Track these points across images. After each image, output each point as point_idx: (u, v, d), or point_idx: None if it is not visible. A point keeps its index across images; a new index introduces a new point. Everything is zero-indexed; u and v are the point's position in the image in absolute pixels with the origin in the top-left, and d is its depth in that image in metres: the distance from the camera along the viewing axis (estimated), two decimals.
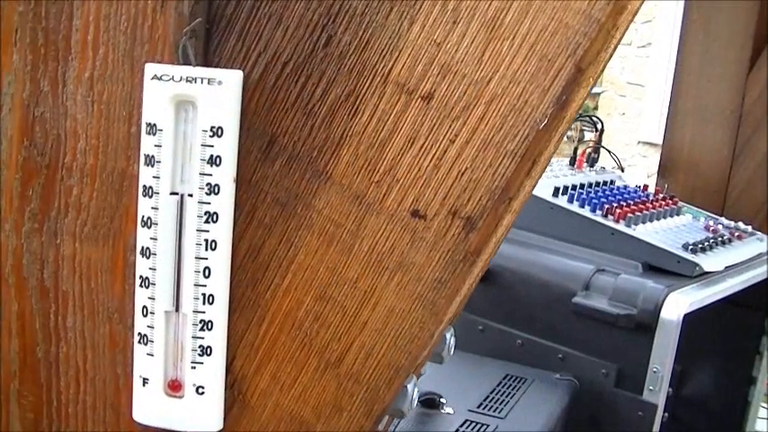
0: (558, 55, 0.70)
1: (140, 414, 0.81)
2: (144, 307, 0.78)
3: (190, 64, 0.74)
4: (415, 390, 0.86)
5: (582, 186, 2.39)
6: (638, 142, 7.67)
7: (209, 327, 0.78)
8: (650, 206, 2.38)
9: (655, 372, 2.01)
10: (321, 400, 0.80)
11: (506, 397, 1.93)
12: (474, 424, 1.78)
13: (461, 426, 1.76)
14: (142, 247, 0.77)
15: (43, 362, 0.86)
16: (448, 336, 0.86)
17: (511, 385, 2.01)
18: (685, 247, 2.18)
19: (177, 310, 0.78)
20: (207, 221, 0.76)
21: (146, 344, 0.79)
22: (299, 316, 0.79)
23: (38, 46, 0.79)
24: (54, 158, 0.81)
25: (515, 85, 0.71)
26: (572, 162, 2.58)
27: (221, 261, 0.77)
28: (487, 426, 1.78)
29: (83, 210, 0.81)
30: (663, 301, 1.99)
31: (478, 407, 1.86)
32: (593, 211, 2.26)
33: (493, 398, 1.92)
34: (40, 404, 0.87)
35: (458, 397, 1.85)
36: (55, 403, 0.86)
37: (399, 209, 0.75)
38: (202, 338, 0.78)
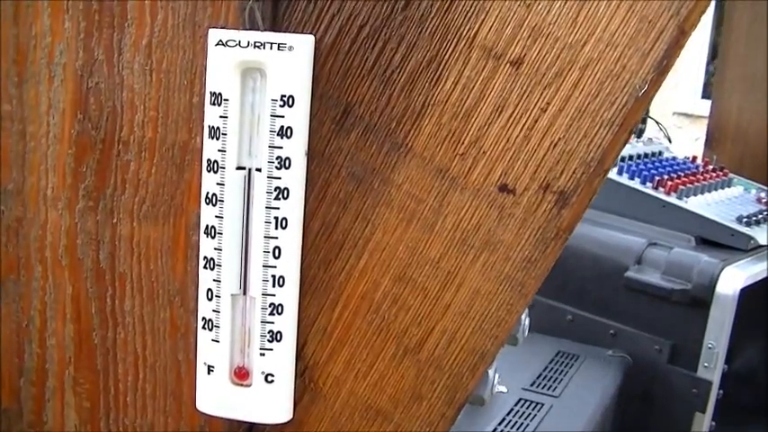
0: (659, 15, 0.64)
1: (204, 403, 0.77)
2: (209, 290, 0.74)
3: (257, 28, 0.70)
4: (496, 375, 0.81)
5: (630, 158, 2.34)
6: (673, 113, 7.60)
7: (279, 311, 0.73)
8: (700, 178, 2.34)
9: (710, 348, 1.98)
10: (399, 389, 0.75)
11: (559, 374, 1.90)
12: (528, 402, 1.75)
13: (516, 404, 1.73)
14: (206, 226, 0.73)
15: (100, 348, 0.82)
16: (523, 316, 0.81)
17: (563, 362, 1.97)
18: (739, 219, 2.14)
19: (245, 293, 0.73)
20: (277, 198, 0.71)
21: (210, 329, 0.74)
22: (375, 299, 0.74)
23: (91, 12, 0.75)
24: (110, 132, 0.76)
25: (612, 48, 0.65)
26: None
27: (292, 240, 0.72)
28: (542, 404, 1.75)
29: (141, 186, 0.77)
30: (718, 276, 1.96)
31: (532, 385, 1.84)
32: (644, 183, 2.22)
33: (546, 375, 1.89)
34: (97, 392, 0.83)
35: (510, 375, 1.81)
36: (112, 391, 0.82)
37: (486, 183, 0.69)
38: (272, 323, 0.73)
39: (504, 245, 0.70)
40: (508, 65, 0.67)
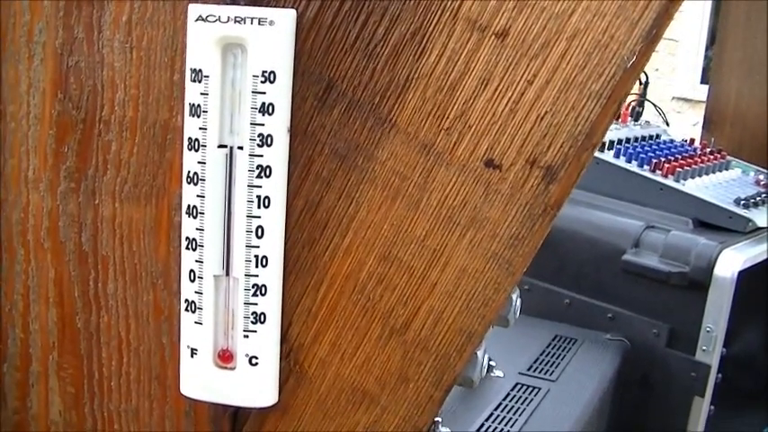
0: None
1: (188, 387, 0.76)
2: (191, 271, 0.72)
3: (238, 3, 0.68)
4: (486, 357, 0.80)
5: (628, 141, 2.33)
6: (673, 98, 7.59)
7: (263, 291, 0.72)
8: (698, 160, 2.33)
9: (708, 331, 1.97)
10: (386, 370, 0.74)
11: (557, 359, 1.90)
12: (525, 387, 1.74)
13: (512, 389, 1.73)
14: (188, 206, 0.71)
15: (83, 332, 0.80)
16: (514, 297, 0.80)
17: (561, 346, 1.97)
18: (737, 202, 2.13)
19: (227, 274, 0.72)
20: (259, 176, 0.69)
21: (193, 311, 0.73)
22: (360, 278, 0.72)
23: None
24: (90, 112, 0.75)
25: (600, 18, 0.64)
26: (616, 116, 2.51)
27: (275, 219, 0.71)
28: (539, 389, 1.74)
29: (123, 167, 0.75)
30: (716, 258, 1.96)
31: (529, 369, 1.83)
32: (641, 165, 2.21)
33: (543, 360, 1.89)
34: (81, 377, 0.81)
35: (507, 359, 1.81)
36: (96, 376, 0.81)
37: (471, 158, 0.68)
38: (255, 304, 0.72)
39: (490, 222, 0.68)
40: (493, 36, 0.66)
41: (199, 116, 0.69)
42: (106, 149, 0.75)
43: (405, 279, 0.71)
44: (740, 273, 1.94)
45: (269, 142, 0.69)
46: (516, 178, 0.67)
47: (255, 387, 0.74)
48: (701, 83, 7.25)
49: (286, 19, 0.68)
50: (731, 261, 1.95)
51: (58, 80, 0.75)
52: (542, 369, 1.84)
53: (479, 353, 0.76)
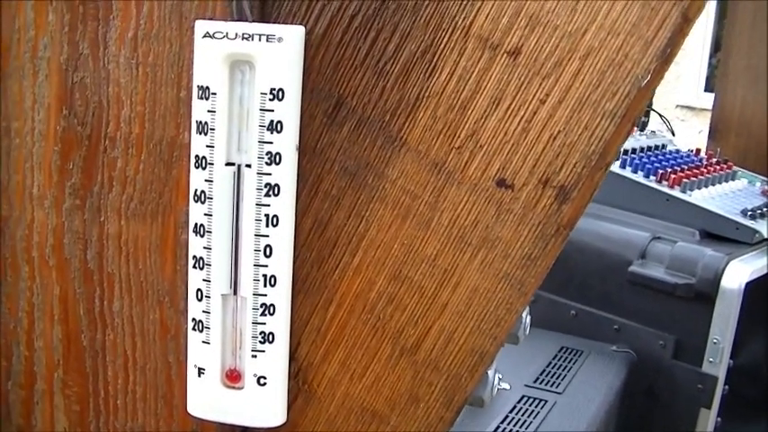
0: (662, 2, 0.62)
1: (195, 407, 0.75)
2: (198, 290, 0.71)
3: (245, 20, 0.67)
4: (496, 376, 0.79)
5: (634, 151, 2.33)
6: (676, 106, 7.58)
7: (271, 311, 0.71)
8: (704, 171, 2.32)
9: (715, 343, 1.96)
10: (395, 391, 0.73)
11: (563, 371, 1.89)
12: (531, 399, 1.73)
13: (519, 401, 1.72)
14: (195, 224, 0.70)
15: (89, 350, 0.79)
16: (524, 314, 0.79)
17: (567, 358, 1.96)
18: (744, 213, 2.12)
19: (235, 293, 0.71)
20: (267, 194, 0.68)
21: (201, 330, 0.72)
22: (370, 298, 0.72)
23: (76, 4, 0.72)
24: (96, 128, 0.74)
25: (614, 36, 0.63)
26: None
27: (284, 238, 0.70)
28: (545, 401, 1.73)
29: (128, 184, 0.74)
30: (723, 270, 1.94)
31: (535, 381, 1.82)
32: (647, 176, 2.20)
33: (549, 372, 1.88)
34: (86, 395, 0.80)
35: (513, 371, 1.80)
36: (102, 394, 0.80)
37: (483, 178, 0.67)
38: (264, 324, 0.71)
39: (502, 242, 0.67)
40: (505, 55, 0.65)
41: (206, 134, 0.68)
42: (112, 166, 0.74)
43: (415, 299, 0.70)
44: (747, 284, 1.93)
45: (277, 160, 0.68)
46: (529, 198, 0.66)
47: (264, 407, 0.73)
48: (705, 91, 7.24)
49: (295, 36, 0.67)
50: (738, 273, 1.94)
51: (62, 96, 0.74)
52: (549, 381, 1.83)
53: (490, 372, 0.76)
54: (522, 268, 0.68)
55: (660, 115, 2.86)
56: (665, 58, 0.63)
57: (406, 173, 0.68)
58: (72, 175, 0.76)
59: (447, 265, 0.69)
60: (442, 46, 0.66)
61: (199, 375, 0.73)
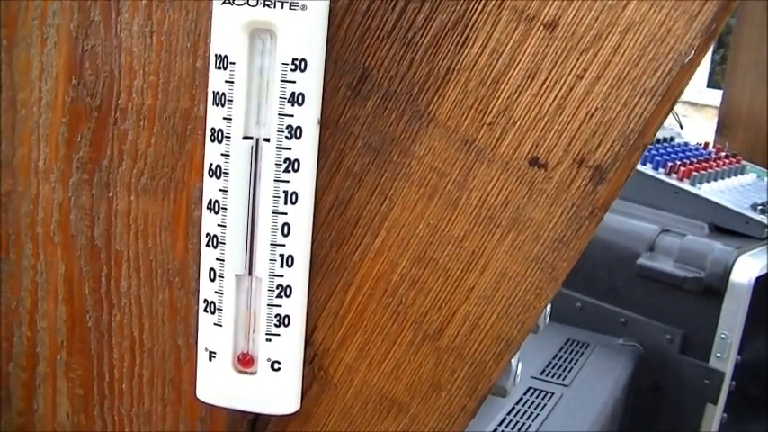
0: None
1: (205, 392, 0.72)
2: (211, 270, 0.68)
3: None
4: (519, 365, 0.76)
5: None
6: (679, 102, 7.57)
7: (288, 293, 0.68)
8: (713, 164, 2.30)
9: (723, 338, 1.95)
10: (416, 378, 0.70)
11: (569, 363, 1.87)
12: (538, 392, 1.72)
13: (525, 393, 1.70)
14: (209, 201, 0.67)
15: (94, 331, 0.77)
16: None
17: (573, 350, 1.94)
18: (753, 207, 2.10)
19: (250, 273, 0.68)
20: (287, 170, 0.65)
21: (213, 312, 0.69)
22: (392, 281, 0.69)
23: None
24: (106, 99, 0.71)
25: (657, 10, 0.60)
26: None
27: (303, 216, 0.67)
28: (552, 393, 1.72)
29: (139, 158, 0.72)
30: (733, 264, 1.93)
31: (541, 373, 1.81)
32: (656, 169, 2.18)
33: (556, 364, 1.86)
34: (91, 379, 0.78)
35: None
36: (107, 378, 0.77)
37: (515, 156, 0.64)
38: (279, 306, 0.68)
39: (533, 223, 0.65)
40: (542, 27, 0.62)
41: (223, 105, 0.65)
42: (122, 139, 0.72)
43: (440, 282, 0.68)
44: (757, 279, 1.92)
45: (298, 134, 0.65)
46: (563, 178, 0.63)
47: (277, 393, 0.70)
48: (708, 87, 7.23)
49: (319, 3, 0.64)
50: (748, 267, 1.93)
51: (72, 65, 0.72)
52: (555, 374, 1.82)
53: (513, 361, 0.73)
54: (553, 251, 0.65)
55: None
56: (710, 33, 0.60)
57: (434, 150, 0.65)
58: (80, 149, 0.73)
59: (474, 247, 0.66)
60: (475, 17, 0.63)
61: (210, 359, 0.70)
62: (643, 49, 0.60)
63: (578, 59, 0.62)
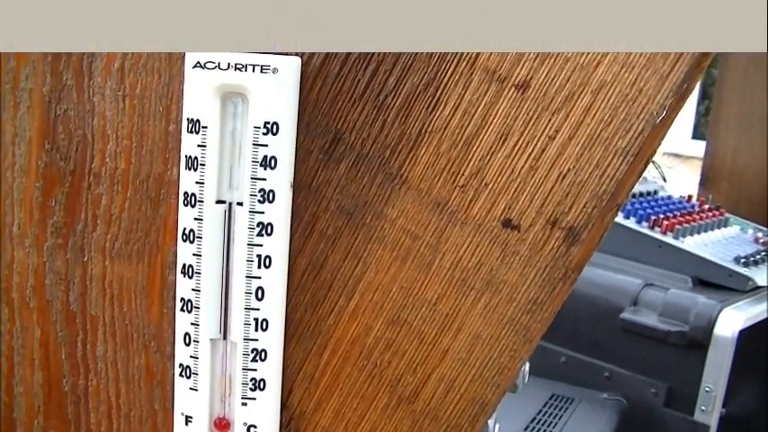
0: None
1: None
2: (186, 334, 0.68)
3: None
4: (497, 426, 0.76)
5: None
6: (664, 153, 7.58)
7: (263, 357, 0.68)
8: (697, 217, 2.31)
9: (707, 391, 1.95)
10: None
11: (554, 419, 1.87)
12: None
13: None
14: (183, 265, 0.67)
15: (71, 396, 0.76)
16: None
17: (558, 406, 1.94)
18: (737, 260, 2.11)
19: (225, 337, 0.68)
20: (260, 234, 0.65)
21: (188, 377, 0.69)
22: (367, 343, 0.68)
23: None
24: (80, 163, 0.71)
25: (628, 70, 0.60)
26: None
27: (276, 280, 0.67)
28: None
29: (113, 222, 0.71)
30: (716, 317, 1.93)
31: (525, 429, 1.79)
32: (639, 222, 2.19)
33: (540, 419, 1.86)
34: None
35: (504, 419, 1.77)
36: None
37: (488, 218, 0.64)
38: (255, 370, 0.68)
39: (507, 285, 0.64)
40: (513, 88, 0.62)
41: (196, 169, 0.65)
42: (96, 204, 0.71)
43: (414, 345, 0.67)
44: (740, 332, 1.92)
45: (270, 198, 0.65)
46: (536, 239, 0.63)
47: None
48: (693, 138, 7.25)
49: (290, 67, 0.64)
50: (731, 320, 1.93)
51: (45, 129, 0.72)
52: (540, 429, 1.81)
53: (490, 422, 0.72)
54: (527, 313, 0.65)
55: (652, 161, 2.86)
56: (682, 93, 0.60)
57: (407, 212, 0.65)
58: (54, 213, 0.73)
59: (449, 310, 0.66)
60: (447, 78, 0.63)
61: (186, 424, 0.70)
62: (615, 110, 0.61)
63: (550, 120, 0.62)
